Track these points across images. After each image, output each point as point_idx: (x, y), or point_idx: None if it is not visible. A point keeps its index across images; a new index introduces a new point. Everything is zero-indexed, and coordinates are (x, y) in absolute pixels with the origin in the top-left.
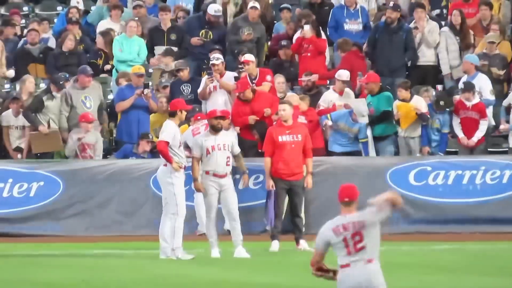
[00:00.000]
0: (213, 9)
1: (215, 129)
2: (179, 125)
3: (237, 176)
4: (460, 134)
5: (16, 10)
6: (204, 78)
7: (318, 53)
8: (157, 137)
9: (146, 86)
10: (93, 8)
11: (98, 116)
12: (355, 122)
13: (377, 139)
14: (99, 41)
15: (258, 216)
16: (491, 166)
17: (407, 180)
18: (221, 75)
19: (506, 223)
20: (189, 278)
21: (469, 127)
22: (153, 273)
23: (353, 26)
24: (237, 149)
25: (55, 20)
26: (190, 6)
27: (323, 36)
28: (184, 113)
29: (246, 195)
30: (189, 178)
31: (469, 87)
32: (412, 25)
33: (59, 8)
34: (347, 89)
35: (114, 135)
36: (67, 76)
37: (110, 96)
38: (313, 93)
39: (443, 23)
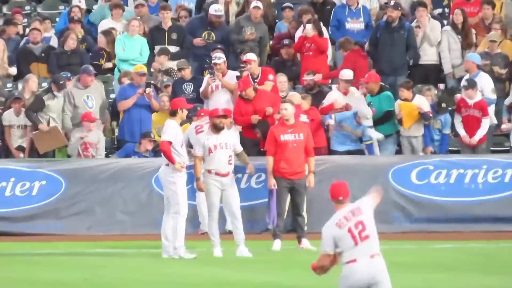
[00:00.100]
0: (214, 8)
1: (217, 128)
2: (181, 124)
3: (239, 175)
4: (462, 132)
5: (18, 9)
6: (206, 77)
7: (320, 52)
8: (159, 136)
9: (148, 85)
10: (95, 7)
11: (100, 115)
12: (359, 125)
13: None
14: (101, 40)
15: (260, 215)
16: (493, 165)
17: (409, 179)
18: (223, 74)
19: (508, 222)
20: (191, 277)
21: (471, 125)
22: (155, 272)
23: (354, 25)
24: (240, 148)
25: (57, 19)
26: (192, 5)
27: (325, 35)
28: (185, 112)
29: (248, 194)
30: (191, 177)
31: (472, 84)
32: (414, 24)
33: (61, 7)
34: (352, 88)
35: (116, 134)
36: (69, 75)
37: (112, 95)
38: (315, 92)
39: (445, 22)
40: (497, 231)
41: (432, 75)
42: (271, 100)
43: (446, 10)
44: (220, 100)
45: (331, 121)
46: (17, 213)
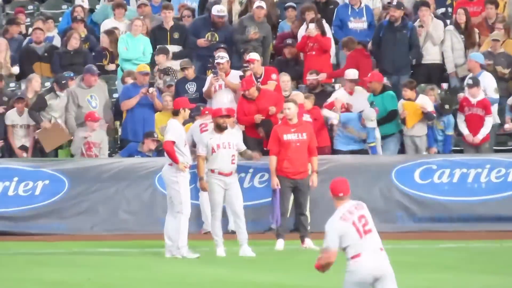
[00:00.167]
0: (216, 9)
1: (220, 128)
2: (184, 124)
3: (242, 175)
4: (465, 131)
5: (21, 9)
6: (209, 77)
7: (323, 52)
8: (162, 136)
9: (151, 84)
10: (97, 7)
11: (104, 115)
12: (364, 127)
13: (381, 137)
14: (104, 40)
15: (263, 215)
16: (496, 165)
17: (413, 178)
18: (226, 74)
19: (511, 221)
20: (194, 277)
21: (474, 124)
22: (158, 272)
23: (357, 24)
24: (243, 146)
25: (60, 19)
26: (194, 5)
27: (328, 34)
28: (188, 111)
29: (251, 194)
30: (194, 176)
31: (476, 82)
32: (416, 23)
33: (64, 6)
34: (359, 88)
35: (119, 134)
36: (72, 75)
37: (115, 95)
38: (318, 91)
39: (448, 21)
40: (500, 231)
41: (435, 74)
42: (274, 99)
43: (449, 9)
44: (223, 100)
45: (334, 121)
46: (20, 212)
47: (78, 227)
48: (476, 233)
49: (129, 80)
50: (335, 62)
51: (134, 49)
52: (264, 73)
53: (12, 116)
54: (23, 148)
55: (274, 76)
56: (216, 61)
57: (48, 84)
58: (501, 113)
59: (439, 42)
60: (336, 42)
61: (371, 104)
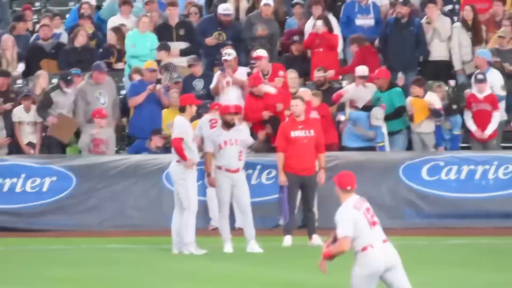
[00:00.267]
0: (222, 8)
1: (228, 125)
2: (191, 120)
3: (250, 171)
4: (473, 127)
5: (28, 6)
6: (217, 74)
7: (331, 48)
8: (170, 132)
9: (158, 81)
10: (104, 3)
11: (112, 112)
12: (372, 127)
13: (388, 134)
14: (111, 37)
15: (271, 211)
16: (504, 161)
17: (420, 175)
18: (234, 71)
19: None
20: (202, 273)
21: (482, 119)
22: (166, 268)
23: (364, 21)
24: (251, 140)
25: (67, 16)
26: (201, 2)
27: (336, 31)
28: (194, 107)
29: (258, 190)
30: (202, 173)
31: (484, 78)
32: (424, 20)
33: (71, 3)
34: (369, 85)
35: (127, 131)
36: (79, 72)
37: (123, 92)
38: (325, 88)
39: (455, 18)
40: (508, 227)
41: (442, 71)
42: (281, 96)
43: (457, 6)
44: (231, 97)
45: (342, 117)
46: (28, 209)
47: (85, 224)
48: (483, 229)
49: (137, 77)
50: (342, 58)
51: (142, 46)
52: (271, 70)
53: (19, 113)
54: (31, 145)
55: (281, 73)
56: (223, 58)
57: (55, 81)
58: (508, 110)
59: (446, 39)
60: (344, 39)
61: (378, 100)
